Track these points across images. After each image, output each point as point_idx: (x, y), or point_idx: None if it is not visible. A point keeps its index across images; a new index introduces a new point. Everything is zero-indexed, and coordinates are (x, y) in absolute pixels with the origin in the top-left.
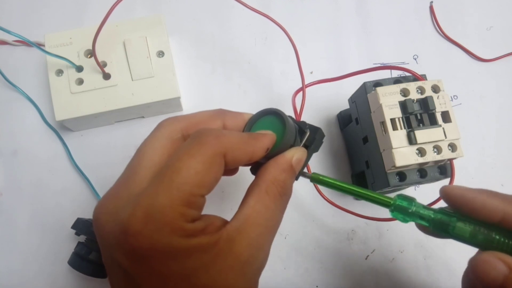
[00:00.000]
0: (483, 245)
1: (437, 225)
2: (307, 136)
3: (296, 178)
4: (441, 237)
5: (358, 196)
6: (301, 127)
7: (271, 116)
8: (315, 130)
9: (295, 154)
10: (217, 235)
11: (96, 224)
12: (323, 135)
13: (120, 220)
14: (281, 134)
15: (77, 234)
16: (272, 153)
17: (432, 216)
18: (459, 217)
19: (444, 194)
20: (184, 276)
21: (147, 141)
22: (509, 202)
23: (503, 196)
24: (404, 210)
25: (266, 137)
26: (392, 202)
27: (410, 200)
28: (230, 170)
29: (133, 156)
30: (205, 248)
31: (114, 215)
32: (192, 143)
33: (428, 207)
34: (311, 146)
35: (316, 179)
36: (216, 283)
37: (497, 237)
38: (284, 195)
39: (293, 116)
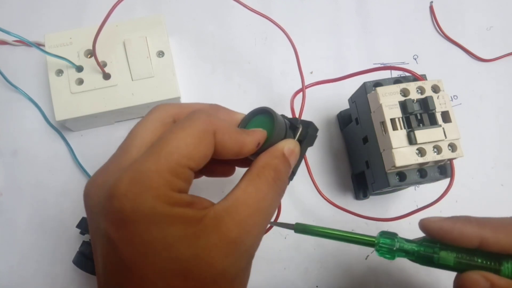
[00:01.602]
0: (468, 270)
1: (422, 257)
2: (300, 131)
3: (293, 172)
4: (429, 266)
5: (342, 240)
6: (293, 123)
7: (262, 115)
8: (308, 125)
9: (286, 144)
10: (203, 212)
11: (86, 198)
12: (316, 129)
13: (107, 187)
14: (272, 130)
15: (82, 233)
16: (263, 149)
17: (416, 249)
18: (441, 246)
19: (423, 228)
20: (165, 244)
21: (139, 123)
22: (484, 226)
23: (478, 220)
24: (389, 248)
25: (257, 132)
26: (376, 241)
27: (393, 235)
28: (227, 170)
29: (125, 138)
30: (189, 220)
31: (103, 186)
32: (185, 120)
33: (410, 240)
34: (305, 141)
35: (299, 229)
36: (198, 258)
37: (479, 260)
38: (277, 179)
39: (291, 116)
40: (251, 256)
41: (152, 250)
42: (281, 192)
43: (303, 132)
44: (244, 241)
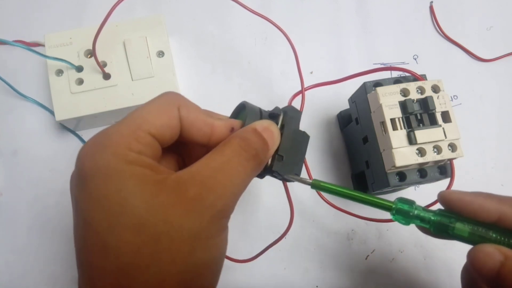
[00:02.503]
0: (482, 243)
1: (438, 226)
2: (282, 117)
3: (297, 167)
4: (441, 238)
5: (359, 201)
6: (274, 112)
7: (242, 112)
8: (287, 110)
9: (258, 122)
10: (164, 175)
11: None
12: (297, 111)
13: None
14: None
15: None
16: None
17: (433, 218)
18: (457, 218)
19: (442, 199)
20: (119, 199)
21: None
22: (504, 203)
23: (498, 197)
24: (406, 213)
25: (230, 119)
26: (393, 206)
27: (411, 203)
28: None
29: None
30: (147, 179)
31: None
32: (154, 97)
33: (427, 209)
34: (287, 125)
35: (316, 186)
36: (153, 214)
37: (494, 235)
38: (245, 146)
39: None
40: (215, 215)
41: (106, 204)
42: (250, 160)
43: (285, 117)
44: (204, 198)
